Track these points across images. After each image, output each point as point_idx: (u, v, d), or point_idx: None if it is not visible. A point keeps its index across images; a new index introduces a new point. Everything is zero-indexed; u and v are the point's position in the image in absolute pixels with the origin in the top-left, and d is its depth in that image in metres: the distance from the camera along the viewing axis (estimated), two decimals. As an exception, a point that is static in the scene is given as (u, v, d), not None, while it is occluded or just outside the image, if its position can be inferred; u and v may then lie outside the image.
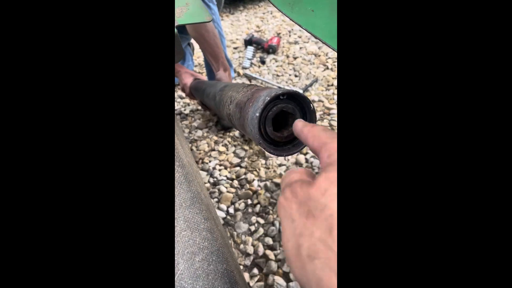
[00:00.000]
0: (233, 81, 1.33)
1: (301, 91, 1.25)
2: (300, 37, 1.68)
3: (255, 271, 0.73)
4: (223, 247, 0.30)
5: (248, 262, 0.75)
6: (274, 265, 0.73)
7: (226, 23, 1.99)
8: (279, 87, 1.32)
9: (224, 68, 0.81)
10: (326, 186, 0.17)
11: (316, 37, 0.29)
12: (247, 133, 0.28)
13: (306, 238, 0.16)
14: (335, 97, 1.22)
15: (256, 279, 0.72)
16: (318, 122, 1.10)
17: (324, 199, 0.17)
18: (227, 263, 0.28)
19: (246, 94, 0.30)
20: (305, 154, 0.99)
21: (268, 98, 0.25)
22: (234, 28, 1.89)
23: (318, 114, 1.14)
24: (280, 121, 0.27)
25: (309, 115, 0.26)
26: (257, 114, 0.25)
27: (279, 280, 0.71)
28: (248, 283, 0.71)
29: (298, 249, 0.17)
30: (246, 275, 0.72)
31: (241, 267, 0.74)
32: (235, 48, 1.66)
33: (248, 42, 1.60)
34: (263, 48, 1.57)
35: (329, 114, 1.13)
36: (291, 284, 0.70)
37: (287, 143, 0.27)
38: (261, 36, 1.72)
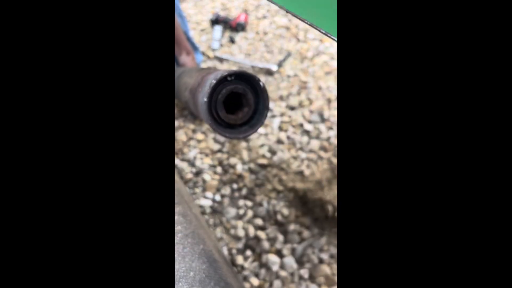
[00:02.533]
0: (202, 65, 1.27)
1: (276, 68, 1.22)
2: (268, 11, 1.62)
3: (248, 252, 0.73)
4: (198, 229, 0.29)
5: (240, 245, 0.75)
6: (266, 244, 0.74)
7: (188, 4, 1.87)
8: (252, 66, 1.27)
9: (186, 52, 0.76)
10: None
11: (276, 5, 0.27)
12: (204, 120, 0.27)
13: None
14: (310, 69, 1.20)
15: (250, 260, 0.72)
16: (296, 97, 1.08)
17: None
18: (204, 243, 0.28)
19: (197, 78, 0.29)
20: (286, 131, 0.98)
21: (214, 81, 0.24)
22: (198, 8, 1.79)
23: (294, 89, 1.12)
24: (234, 102, 0.27)
25: (260, 94, 0.26)
26: (205, 99, 0.24)
27: (273, 257, 0.72)
28: (243, 265, 0.71)
29: None
30: (240, 258, 0.72)
31: (234, 250, 0.74)
32: (202, 30, 1.57)
33: (215, 21, 1.52)
34: (231, 26, 1.51)
35: (306, 88, 1.12)
36: (284, 259, 0.71)
37: (243, 124, 0.26)
38: (227, 14, 1.64)
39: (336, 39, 0.23)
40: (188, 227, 0.29)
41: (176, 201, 0.30)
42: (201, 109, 0.25)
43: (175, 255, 0.26)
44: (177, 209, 0.30)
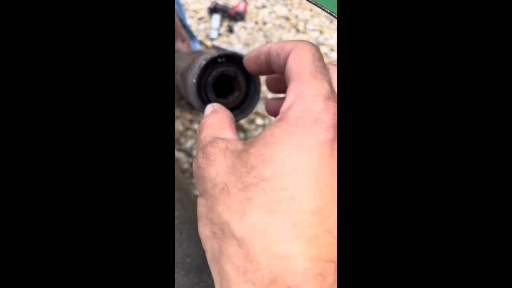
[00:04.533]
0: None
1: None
2: (268, 0, 1.59)
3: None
4: (195, 215, 0.29)
5: (237, 236, 0.75)
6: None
7: (187, -8, 1.83)
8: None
9: (181, 39, 0.75)
10: (267, 151, 0.14)
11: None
12: (193, 103, 0.26)
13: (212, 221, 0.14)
14: (309, 60, 1.18)
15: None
16: (294, 89, 1.07)
17: (256, 171, 0.13)
18: (201, 230, 0.28)
19: (188, 61, 0.28)
20: (284, 122, 0.97)
21: (204, 62, 0.24)
22: (196, -3, 1.75)
23: (293, 80, 1.11)
24: (225, 86, 0.26)
25: (252, 77, 0.26)
26: (194, 81, 0.24)
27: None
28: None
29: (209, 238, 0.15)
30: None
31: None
32: (200, 19, 1.54)
33: (213, 10, 1.49)
34: (229, 15, 1.48)
35: (304, 79, 1.11)
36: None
37: (233, 109, 0.26)
38: (226, 3, 1.61)
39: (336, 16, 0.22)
40: (185, 213, 0.29)
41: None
42: (190, 91, 0.24)
43: None
44: (174, 195, 0.29)
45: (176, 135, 1.00)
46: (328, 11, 0.26)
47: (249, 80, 0.26)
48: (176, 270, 0.26)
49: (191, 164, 0.91)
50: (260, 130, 0.96)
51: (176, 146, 0.97)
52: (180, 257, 0.26)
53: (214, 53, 0.24)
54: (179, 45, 0.77)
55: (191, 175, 0.88)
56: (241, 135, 0.96)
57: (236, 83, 0.25)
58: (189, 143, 0.96)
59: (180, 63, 0.32)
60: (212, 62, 0.24)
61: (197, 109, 0.27)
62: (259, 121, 0.99)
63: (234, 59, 0.25)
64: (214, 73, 0.24)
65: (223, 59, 0.24)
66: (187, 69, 0.27)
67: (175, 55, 0.44)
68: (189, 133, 1.00)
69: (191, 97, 0.26)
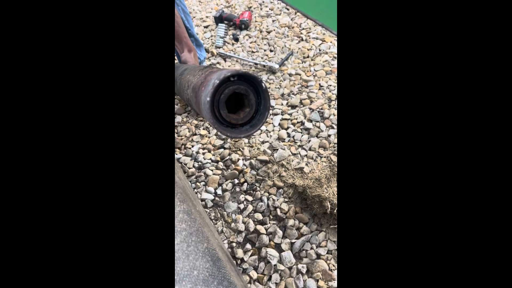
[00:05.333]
0: (205, 62, 1.28)
1: (277, 66, 1.23)
2: (271, 9, 1.63)
3: (248, 246, 0.75)
4: (202, 227, 0.30)
5: (240, 239, 0.77)
6: (265, 239, 0.76)
7: (193, 0, 1.88)
8: (255, 63, 1.27)
9: (188, 49, 0.77)
10: None
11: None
12: (206, 119, 0.27)
13: None
14: (312, 68, 1.21)
15: (249, 253, 0.74)
16: (297, 96, 1.09)
17: None
18: (208, 242, 0.29)
19: (200, 77, 0.29)
20: (287, 129, 1.00)
21: (217, 81, 0.24)
22: (202, 5, 1.79)
23: (296, 87, 1.14)
24: (236, 102, 0.28)
25: (262, 95, 0.27)
26: (208, 99, 0.24)
27: (272, 251, 0.74)
28: (242, 258, 0.73)
29: None
30: (240, 251, 0.74)
31: (234, 244, 0.76)
32: (206, 27, 1.58)
33: (219, 19, 1.53)
34: (235, 24, 1.51)
35: (307, 87, 1.13)
36: (283, 254, 0.73)
37: (244, 124, 0.27)
38: (231, 12, 1.65)
39: (336, 34, 0.24)
40: (192, 225, 0.29)
41: (181, 198, 0.30)
42: (204, 108, 0.26)
43: (179, 254, 0.26)
44: (182, 207, 0.29)
45: (183, 140, 1.03)
46: (330, 29, 0.28)
47: (260, 97, 0.26)
48: (183, 283, 0.25)
49: (197, 168, 0.94)
50: (263, 135, 0.99)
51: (183, 151, 1.00)
52: (187, 269, 0.26)
53: (226, 72, 0.25)
54: (186, 55, 0.80)
55: (197, 179, 0.91)
56: (245, 140, 0.98)
57: (247, 100, 0.26)
58: (194, 148, 0.99)
59: (191, 78, 0.33)
60: (225, 81, 0.25)
61: (210, 125, 0.28)
62: (262, 127, 1.02)
63: (245, 77, 0.25)
64: (227, 91, 0.25)
65: (235, 78, 0.25)
66: (200, 86, 0.28)
67: (185, 67, 0.46)
68: (195, 138, 1.03)
69: (204, 114, 0.27)
